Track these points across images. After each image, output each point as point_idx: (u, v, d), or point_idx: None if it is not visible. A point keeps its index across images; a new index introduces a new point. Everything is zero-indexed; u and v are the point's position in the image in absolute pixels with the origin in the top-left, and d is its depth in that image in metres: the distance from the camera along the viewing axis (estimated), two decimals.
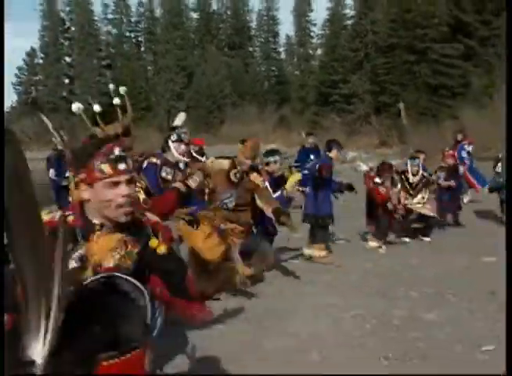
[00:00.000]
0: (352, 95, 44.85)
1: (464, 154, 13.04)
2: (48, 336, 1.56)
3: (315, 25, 67.72)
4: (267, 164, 7.98)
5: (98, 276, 2.15)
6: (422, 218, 10.22)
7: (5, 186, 1.39)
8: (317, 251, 8.58)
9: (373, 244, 9.55)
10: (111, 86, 5.83)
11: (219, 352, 4.76)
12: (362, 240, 10.04)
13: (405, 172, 10.38)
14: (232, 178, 6.78)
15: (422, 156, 10.88)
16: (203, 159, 9.34)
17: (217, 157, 7.05)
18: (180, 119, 6.12)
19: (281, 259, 8.39)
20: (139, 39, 68.25)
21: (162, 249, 2.48)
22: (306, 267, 8.14)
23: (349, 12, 58.84)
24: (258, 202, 6.76)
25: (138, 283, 2.14)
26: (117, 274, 2.16)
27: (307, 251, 8.67)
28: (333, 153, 8.99)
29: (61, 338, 1.57)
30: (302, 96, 54.60)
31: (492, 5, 35.88)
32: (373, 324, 5.53)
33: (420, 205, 10.18)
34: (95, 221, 2.41)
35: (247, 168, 6.97)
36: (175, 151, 5.33)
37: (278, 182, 7.76)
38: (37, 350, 1.56)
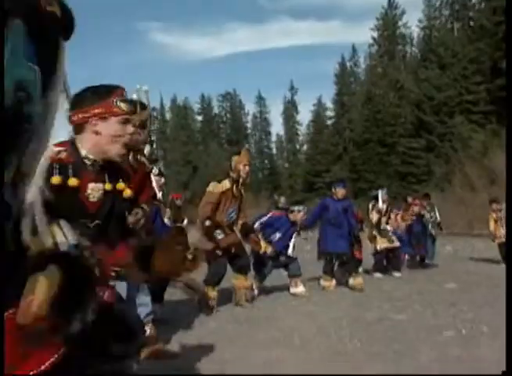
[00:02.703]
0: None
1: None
2: None
3: (301, 125, 68.95)
4: (291, 211, 8.44)
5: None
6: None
7: None
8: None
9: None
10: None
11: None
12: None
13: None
14: (236, 193, 6.97)
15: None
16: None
17: (217, 181, 7.01)
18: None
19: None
20: (152, 138, 69.64)
21: (128, 193, 2.37)
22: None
23: (329, 113, 60.74)
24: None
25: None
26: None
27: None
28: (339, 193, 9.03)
29: None
30: (291, 184, 55.58)
31: (446, 108, 37.57)
32: (348, 321, 5.88)
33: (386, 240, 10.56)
34: (91, 156, 2.28)
35: (246, 174, 7.06)
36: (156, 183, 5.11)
37: None
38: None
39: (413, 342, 4.94)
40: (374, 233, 10.71)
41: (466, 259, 13.01)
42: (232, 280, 7.19)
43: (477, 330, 5.35)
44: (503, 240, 11.69)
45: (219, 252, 6.77)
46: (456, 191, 30.33)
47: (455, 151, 33.96)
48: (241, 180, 7.06)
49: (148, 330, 4.39)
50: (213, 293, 6.84)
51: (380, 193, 10.80)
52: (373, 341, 5.04)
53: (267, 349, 4.77)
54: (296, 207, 8.58)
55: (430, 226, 12.07)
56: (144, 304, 4.51)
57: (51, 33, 1.12)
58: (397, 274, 10.54)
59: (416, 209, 12.02)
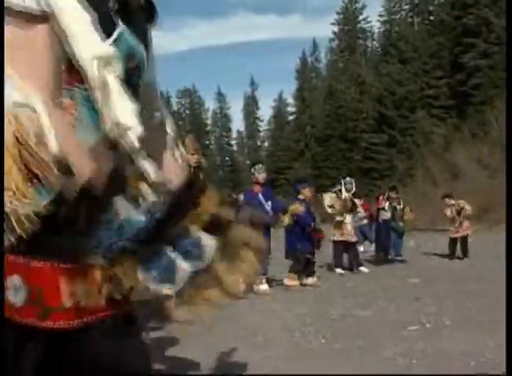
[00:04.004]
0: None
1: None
2: None
3: (262, 121, 69.72)
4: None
5: None
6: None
7: None
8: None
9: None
10: None
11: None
12: None
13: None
14: None
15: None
16: None
17: None
18: None
19: None
20: None
21: None
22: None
23: (291, 109, 61.21)
24: None
25: None
26: None
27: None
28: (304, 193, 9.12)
29: None
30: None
31: (408, 103, 38.16)
32: (312, 319, 5.93)
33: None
34: None
35: (197, 162, 6.66)
36: None
37: None
38: None
39: (378, 338, 5.01)
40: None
41: (428, 254, 13.25)
42: None
43: (440, 324, 5.46)
44: (453, 235, 12.02)
45: None
46: (419, 186, 30.79)
47: (417, 146, 34.49)
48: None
49: None
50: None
51: (343, 182, 10.98)
52: (337, 338, 5.11)
53: (231, 348, 4.77)
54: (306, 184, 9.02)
55: (396, 220, 12.24)
56: None
57: (139, 19, 1.28)
58: (364, 269, 10.57)
59: (383, 204, 12.25)
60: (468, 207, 12.14)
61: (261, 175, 8.69)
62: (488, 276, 8.24)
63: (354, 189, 11.10)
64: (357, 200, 11.38)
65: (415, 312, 6.13)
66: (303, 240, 8.97)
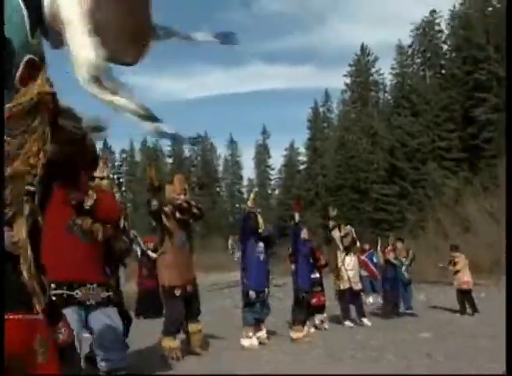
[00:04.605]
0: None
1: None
2: None
3: (273, 169, 69.91)
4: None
5: None
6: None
7: None
8: None
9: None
10: None
11: None
12: None
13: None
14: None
15: None
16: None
17: None
18: None
19: None
20: (121, 180, 69.30)
21: None
22: None
23: (302, 158, 61.47)
24: None
25: None
26: None
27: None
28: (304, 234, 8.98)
29: None
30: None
31: (419, 155, 38.20)
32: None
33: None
34: None
35: (182, 201, 6.72)
36: None
37: None
38: None
39: None
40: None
41: (439, 308, 13.01)
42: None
43: None
44: (459, 287, 11.82)
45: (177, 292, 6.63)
46: (430, 238, 30.47)
47: (428, 198, 34.35)
48: (184, 206, 6.76)
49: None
50: (175, 343, 6.66)
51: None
52: None
53: None
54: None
55: (403, 271, 12.10)
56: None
57: None
58: (366, 322, 10.36)
59: (390, 255, 12.11)
60: (464, 261, 12.01)
61: None
62: (501, 332, 8.04)
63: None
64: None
65: (427, 368, 5.97)
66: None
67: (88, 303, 3.80)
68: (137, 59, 1.28)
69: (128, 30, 1.24)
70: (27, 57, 1.13)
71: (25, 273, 1.14)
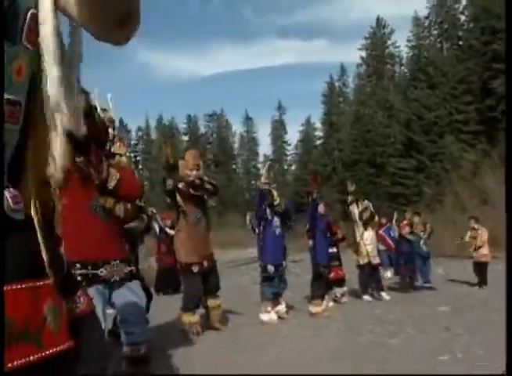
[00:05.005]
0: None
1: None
2: None
3: (289, 145, 69.74)
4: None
5: None
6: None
7: None
8: None
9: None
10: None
11: None
12: None
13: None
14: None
15: None
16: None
17: None
18: None
19: None
20: (137, 158, 69.60)
21: None
22: None
23: (318, 133, 61.24)
24: None
25: None
26: None
27: None
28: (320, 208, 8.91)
29: None
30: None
31: (436, 128, 37.83)
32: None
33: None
34: None
35: (195, 178, 6.68)
36: None
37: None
38: None
39: (408, 366, 4.88)
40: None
41: (457, 281, 12.98)
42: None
43: (473, 354, 5.30)
44: (477, 260, 11.75)
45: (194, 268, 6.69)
46: (447, 212, 30.29)
47: (445, 171, 34.07)
48: (196, 183, 6.72)
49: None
50: (194, 317, 6.75)
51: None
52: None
53: None
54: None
55: (421, 245, 12.07)
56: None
57: None
58: (385, 296, 10.40)
59: (404, 230, 12.10)
60: (485, 233, 11.90)
61: None
62: None
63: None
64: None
65: (446, 342, 5.98)
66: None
67: (112, 280, 3.87)
68: (127, 40, 1.19)
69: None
70: (29, 13, 1.08)
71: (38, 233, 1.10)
